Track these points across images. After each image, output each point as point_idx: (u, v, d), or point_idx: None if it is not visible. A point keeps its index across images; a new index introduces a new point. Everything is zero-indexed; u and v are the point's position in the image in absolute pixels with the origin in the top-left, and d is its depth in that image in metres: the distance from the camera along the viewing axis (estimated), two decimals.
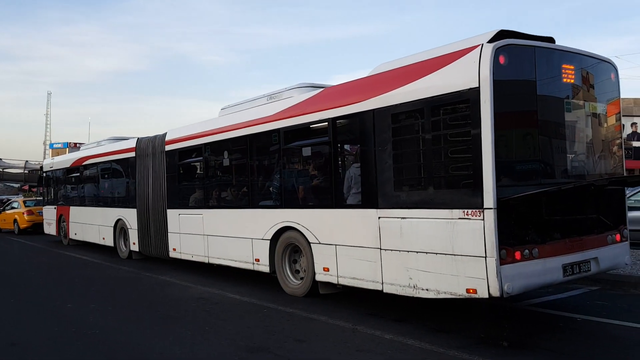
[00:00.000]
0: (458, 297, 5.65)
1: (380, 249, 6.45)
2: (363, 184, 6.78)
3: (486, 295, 5.36)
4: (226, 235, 9.34)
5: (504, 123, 5.49)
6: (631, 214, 10.94)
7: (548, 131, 5.97)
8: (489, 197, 5.30)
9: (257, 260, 8.62)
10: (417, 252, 6.02)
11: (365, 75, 7.00)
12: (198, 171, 10.53)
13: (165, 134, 11.47)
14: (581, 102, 6.26)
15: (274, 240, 8.27)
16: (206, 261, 9.94)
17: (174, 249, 11.07)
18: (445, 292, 5.77)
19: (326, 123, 7.25)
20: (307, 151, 7.81)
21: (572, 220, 6.14)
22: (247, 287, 8.72)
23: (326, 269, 7.29)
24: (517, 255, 5.45)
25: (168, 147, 11.21)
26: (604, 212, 6.47)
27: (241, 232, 8.96)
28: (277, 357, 5.11)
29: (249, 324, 6.38)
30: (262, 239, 8.45)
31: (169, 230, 11.23)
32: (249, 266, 8.82)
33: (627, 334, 5.58)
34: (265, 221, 8.40)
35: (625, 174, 6.77)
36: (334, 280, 7.18)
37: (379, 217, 6.46)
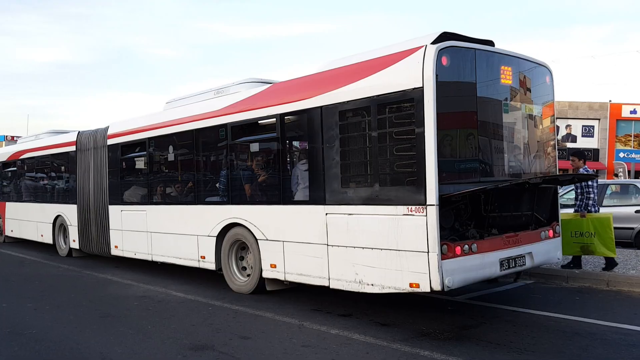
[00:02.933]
0: (402, 291, 5.80)
1: (328, 245, 6.52)
2: (311, 181, 6.83)
3: (428, 289, 5.53)
4: (171, 232, 9.17)
5: (446, 123, 5.67)
6: (563, 211, 11.59)
7: (487, 131, 6.21)
8: (432, 194, 5.47)
9: (203, 257, 8.51)
10: (363, 247, 6.12)
11: (313, 72, 7.04)
12: (142, 166, 10.27)
13: (107, 128, 11.12)
14: (518, 104, 6.54)
15: (221, 237, 8.19)
16: (150, 259, 9.72)
17: (116, 247, 10.76)
18: (389, 287, 5.90)
19: (274, 119, 7.25)
20: (255, 147, 7.78)
21: (508, 217, 6.42)
22: (192, 285, 8.60)
23: (273, 266, 7.30)
24: (458, 250, 5.65)
25: (110, 141, 10.87)
26: (538, 209, 6.79)
27: (186, 228, 8.82)
28: (222, 355, 5.08)
29: (194, 322, 6.31)
30: (209, 236, 8.35)
31: (110, 227, 10.90)
32: (194, 263, 8.70)
33: (559, 325, 5.89)
34: (211, 218, 8.31)
35: (558, 173, 7.13)
36: (281, 276, 7.20)
37: (327, 214, 6.52)
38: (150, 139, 9.73)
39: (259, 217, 7.54)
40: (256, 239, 7.55)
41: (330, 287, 6.50)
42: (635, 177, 26.37)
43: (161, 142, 9.53)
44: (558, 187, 7.19)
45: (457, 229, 5.88)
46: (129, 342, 5.56)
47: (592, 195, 8.27)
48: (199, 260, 8.61)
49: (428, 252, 5.51)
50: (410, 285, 5.69)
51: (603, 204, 11.28)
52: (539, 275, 8.23)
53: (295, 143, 7.51)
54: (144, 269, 10.25)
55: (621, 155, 38.20)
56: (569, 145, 38.82)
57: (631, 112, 39.33)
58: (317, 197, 6.67)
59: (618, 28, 74.90)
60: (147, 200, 9.89)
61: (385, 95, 5.89)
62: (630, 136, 39.74)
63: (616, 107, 39.19)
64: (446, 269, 5.50)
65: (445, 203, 5.55)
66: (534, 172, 6.82)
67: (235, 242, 8.03)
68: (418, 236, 5.59)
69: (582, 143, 39.03)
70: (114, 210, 10.80)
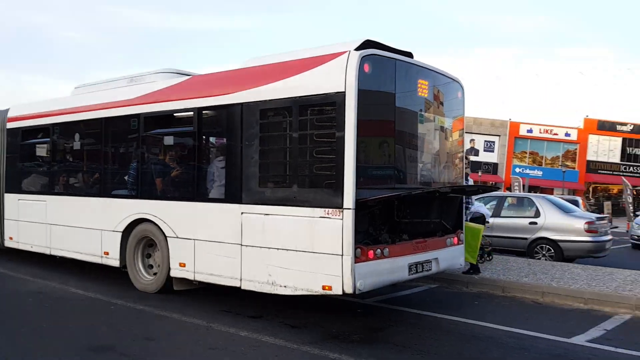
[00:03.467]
0: (314, 293, 5.83)
1: (242, 245, 6.41)
2: (227, 178, 6.70)
3: (340, 292, 5.60)
4: (72, 225, 8.60)
5: (365, 129, 5.77)
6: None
7: (403, 140, 6.41)
8: (349, 197, 5.55)
9: (106, 253, 8.06)
10: (277, 249, 6.08)
11: (236, 68, 6.91)
12: (44, 153, 9.56)
13: (7, 110, 10.26)
14: (432, 116, 6.82)
15: (127, 232, 7.81)
16: (48, 252, 9.07)
17: (11, 238, 9.94)
18: (302, 289, 5.91)
19: (192, 112, 7.03)
20: (169, 140, 7.50)
21: (418, 223, 6.66)
22: (93, 282, 8.12)
23: (182, 265, 7.06)
24: (370, 254, 5.77)
25: (10, 125, 10.04)
26: (445, 217, 7.12)
27: (90, 222, 8.32)
28: (124, 357, 4.82)
29: (94, 322, 5.95)
30: (114, 231, 7.93)
31: (5, 217, 10.06)
32: (97, 259, 8.23)
33: (459, 328, 6.20)
34: (118, 212, 7.90)
35: (465, 184, 7.51)
36: (190, 276, 6.98)
37: (242, 213, 6.42)
38: (54, 125, 9.08)
39: (169, 214, 7.27)
40: (165, 236, 7.27)
41: (242, 288, 6.40)
42: (529, 191, 28.51)
43: (67, 129, 8.93)
44: (464, 197, 7.58)
45: (371, 233, 6.01)
46: (22, 342, 5.14)
47: (470, 207, 8.84)
48: (102, 256, 8.14)
49: (342, 255, 5.58)
50: (323, 287, 5.73)
51: (501, 215, 12.07)
52: (442, 280, 8.62)
53: (213, 139, 7.32)
54: (41, 263, 9.53)
55: (517, 170, 41.18)
56: (472, 158, 41.20)
57: (527, 131, 42.53)
58: (233, 196, 6.54)
59: (518, 52, 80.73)
60: (48, 190, 9.22)
61: (308, 97, 5.90)
62: (526, 153, 42.99)
63: (515, 126, 42.22)
64: (359, 272, 5.60)
65: (361, 207, 5.64)
66: (443, 181, 7.14)
67: (143, 239, 7.68)
68: (333, 239, 5.64)
69: (484, 157, 41.65)
70: (10, 199, 9.98)
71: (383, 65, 6.01)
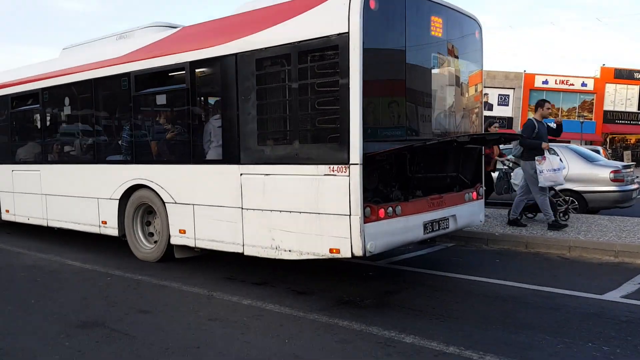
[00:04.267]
0: (321, 257, 5.36)
1: (242, 208, 5.93)
2: (224, 138, 6.17)
3: (349, 255, 5.13)
4: (68, 195, 8.19)
5: (372, 75, 5.17)
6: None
7: (414, 86, 5.79)
8: (355, 152, 5.01)
9: (104, 222, 7.66)
10: (280, 211, 5.60)
11: (228, 15, 6.28)
12: (35, 121, 9.09)
13: None
14: (446, 58, 6.18)
15: (124, 200, 7.37)
16: (45, 224, 8.70)
17: (7, 211, 9.58)
18: (308, 253, 5.45)
19: (183, 68, 6.45)
20: (161, 99, 6.95)
21: (433, 178, 6.12)
22: (92, 253, 7.75)
23: (182, 231, 6.62)
24: (381, 213, 5.27)
25: None
26: (463, 171, 6.55)
27: (85, 191, 7.89)
28: (113, 333, 4.42)
29: (87, 295, 5.57)
30: (110, 199, 7.50)
31: (0, 189, 9.68)
32: (95, 229, 7.83)
33: (481, 289, 5.73)
34: (113, 178, 7.45)
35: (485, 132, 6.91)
36: (191, 243, 6.55)
37: (241, 174, 5.92)
38: (43, 89, 8.56)
39: (166, 178, 6.79)
40: (163, 202, 6.82)
41: (245, 253, 5.96)
42: None
43: (56, 93, 8.40)
44: (482, 148, 6.98)
45: (381, 190, 5.49)
46: (5, 320, 4.77)
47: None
48: (99, 226, 7.75)
49: (350, 215, 5.09)
50: (331, 250, 5.26)
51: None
52: (459, 237, 8.13)
53: (208, 95, 6.74)
54: (40, 235, 9.20)
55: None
56: (486, 113, 40.25)
57: (543, 83, 41.22)
58: (231, 156, 6.03)
59: (531, 2, 77.90)
60: (41, 159, 8.78)
61: (307, 42, 5.29)
62: None
63: (530, 77, 40.90)
64: (369, 232, 5.11)
65: (369, 163, 5.11)
66: (460, 132, 6.54)
67: (141, 206, 7.25)
68: (340, 198, 5.14)
69: (498, 111, 40.57)
70: (3, 170, 9.57)
71: (391, 1, 5.35)
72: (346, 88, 5.02)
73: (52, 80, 8.34)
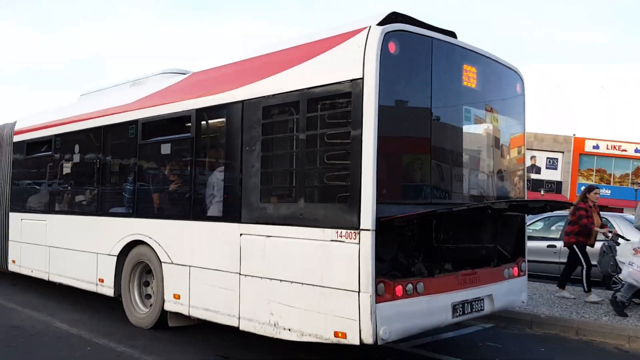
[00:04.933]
0: (325, 341, 4.47)
1: (240, 274, 5.16)
2: (226, 192, 5.50)
3: (357, 342, 4.23)
4: (70, 248, 7.64)
5: (391, 126, 4.46)
6: (529, 244, 10.53)
7: (442, 142, 5.02)
8: (367, 215, 4.21)
9: (101, 280, 7.01)
10: (280, 280, 4.80)
11: (237, 60, 5.75)
12: (46, 168, 8.73)
13: (14, 123, 9.57)
14: (482, 112, 5.39)
15: (122, 256, 6.73)
16: (47, 278, 8.15)
17: (14, 261, 9.12)
18: (310, 335, 4.58)
19: (189, 115, 5.91)
20: (166, 149, 6.39)
21: (466, 250, 5.21)
22: (86, 314, 7.06)
23: (177, 297, 5.88)
24: (399, 290, 4.38)
25: (17, 138, 9.32)
26: (502, 242, 5.61)
27: (85, 244, 7.32)
28: None
29: None
30: (109, 255, 6.88)
31: (10, 238, 9.27)
32: (92, 287, 7.19)
33: None
34: (113, 232, 6.85)
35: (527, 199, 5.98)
36: (184, 310, 5.78)
37: (241, 234, 5.18)
38: (56, 136, 8.23)
39: (164, 235, 6.13)
40: (160, 262, 6.13)
41: (240, 328, 5.13)
42: None
43: (67, 140, 8.04)
44: (526, 215, 6.03)
45: (400, 262, 4.62)
46: None
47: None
48: (97, 284, 7.10)
49: (359, 292, 4.23)
50: (336, 334, 4.37)
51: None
52: (498, 317, 7.02)
53: (213, 146, 6.13)
54: (45, 290, 8.59)
55: (582, 189, 38.19)
56: (534, 176, 38.67)
57: (594, 147, 39.50)
58: (231, 213, 5.33)
59: (580, 67, 76.62)
60: (48, 208, 8.35)
61: (318, 88, 4.64)
62: (592, 170, 39.85)
63: (579, 141, 39.30)
64: (382, 315, 4.22)
65: (385, 228, 4.29)
66: (499, 197, 5.65)
67: (139, 264, 6.58)
68: (348, 270, 4.30)
69: (546, 175, 38.93)
70: (14, 219, 9.20)
71: (415, 45, 4.68)
72: (358, 141, 4.30)
73: (65, 126, 8.01)
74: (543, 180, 38.30)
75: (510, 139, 5.87)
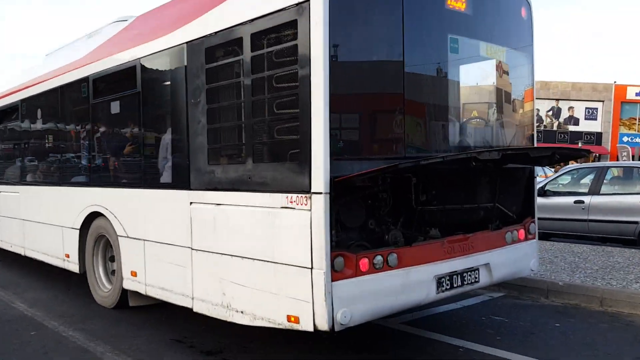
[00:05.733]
0: (278, 326, 3.73)
1: (192, 249, 4.44)
2: (174, 155, 4.74)
3: (311, 328, 3.47)
4: (40, 221, 7.08)
5: (348, 60, 3.59)
6: (553, 200, 9.50)
7: (421, 80, 4.08)
8: (319, 174, 3.39)
9: (67, 255, 6.44)
10: (231, 256, 4.05)
11: None
12: (17, 137, 8.14)
13: None
14: (475, 43, 4.40)
15: (85, 229, 6.11)
16: (23, 253, 7.66)
17: None
18: (262, 319, 3.84)
19: (134, 66, 5.12)
20: (115, 107, 5.63)
21: (456, 212, 4.33)
22: (52, 293, 6.52)
23: (134, 274, 5.23)
24: (364, 264, 3.57)
25: None
26: (503, 201, 4.69)
27: (52, 217, 6.74)
28: None
29: None
30: (72, 228, 6.27)
31: None
32: (60, 263, 6.64)
33: None
34: (74, 204, 6.22)
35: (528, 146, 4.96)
36: (142, 289, 5.13)
37: (191, 203, 4.44)
38: (22, 101, 7.58)
39: (119, 205, 5.46)
40: (117, 235, 5.48)
41: (194, 310, 4.45)
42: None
43: (32, 105, 7.37)
44: (535, 168, 5.06)
45: (369, 230, 3.80)
46: None
47: None
48: (64, 259, 6.54)
49: (312, 269, 3.44)
50: (288, 318, 3.62)
51: (601, 192, 9.14)
52: (510, 286, 6.15)
53: (161, 101, 5.32)
54: (30, 266, 8.05)
55: (625, 139, 36.01)
56: (572, 128, 36.67)
57: (637, 94, 37.03)
58: (180, 179, 4.58)
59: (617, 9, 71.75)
60: (20, 179, 7.80)
61: (261, 20, 3.77)
62: (635, 119, 37.46)
63: (621, 89, 36.85)
64: (340, 295, 3.44)
65: (345, 190, 3.47)
66: (499, 146, 4.71)
67: (101, 238, 5.94)
68: (299, 242, 3.52)
69: (585, 126, 36.88)
70: None
71: None
72: (307, 82, 3.44)
73: (27, 91, 7.35)
74: (582, 132, 36.38)
75: (515, 78, 4.86)
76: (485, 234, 4.44)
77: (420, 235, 4.07)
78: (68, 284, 6.83)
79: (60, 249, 6.56)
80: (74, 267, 6.30)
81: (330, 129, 3.39)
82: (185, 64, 4.43)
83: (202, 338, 4.68)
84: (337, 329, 3.41)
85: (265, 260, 3.76)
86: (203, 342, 4.59)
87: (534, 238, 4.96)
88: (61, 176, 6.67)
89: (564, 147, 6.03)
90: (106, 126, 5.83)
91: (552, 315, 5.39)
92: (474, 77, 4.61)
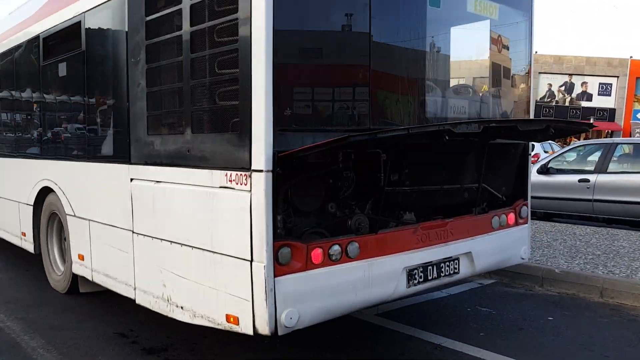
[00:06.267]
0: (217, 327, 3.21)
1: (133, 232, 3.91)
2: (115, 123, 4.19)
3: (250, 331, 2.95)
4: (2, 196, 6.59)
5: (296, 14, 2.98)
6: (557, 178, 8.88)
7: (392, 36, 3.46)
8: (260, 149, 2.83)
9: (24, 234, 5.96)
10: (170, 242, 3.53)
11: None
12: None
13: None
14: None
15: (38, 206, 5.61)
16: None
17: None
18: (202, 317, 3.33)
19: (79, 21, 4.52)
20: (62, 70, 5.05)
21: (433, 194, 3.76)
22: (13, 274, 6.09)
23: (81, 257, 4.73)
24: (316, 256, 3.03)
25: None
26: (491, 181, 4.10)
27: (10, 191, 6.26)
28: None
29: None
30: (27, 204, 5.77)
31: None
32: (18, 241, 6.17)
33: None
34: (29, 177, 5.70)
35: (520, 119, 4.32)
36: (89, 275, 4.63)
37: (131, 179, 3.89)
38: None
39: (67, 180, 4.94)
40: (65, 214, 4.97)
41: (137, 302, 3.94)
42: None
43: None
44: (531, 145, 4.45)
45: (334, 213, 3.25)
46: None
47: None
48: (20, 238, 6.06)
49: (252, 261, 2.90)
50: (228, 318, 3.10)
51: (608, 170, 8.49)
52: (502, 273, 5.60)
53: (105, 62, 4.68)
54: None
55: (639, 115, 34.90)
56: (584, 104, 35.58)
57: None
58: (121, 151, 4.03)
59: None
60: None
61: None
62: None
63: (637, 64, 35.52)
64: (285, 293, 2.90)
65: (293, 168, 2.91)
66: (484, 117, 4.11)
67: (54, 216, 5.43)
68: (238, 229, 2.98)
69: (598, 102, 35.73)
70: None
71: None
72: (247, 37, 2.84)
73: None
74: (595, 108, 35.27)
75: (509, 43, 4.22)
76: (467, 218, 3.88)
77: (392, 220, 3.52)
78: (31, 265, 6.35)
79: (17, 227, 6.08)
80: (30, 247, 5.82)
81: (276, 92, 2.82)
82: (127, 17, 3.83)
83: (150, 332, 4.17)
84: (280, 332, 2.88)
85: (204, 249, 3.23)
86: (149, 337, 4.10)
87: (526, 223, 4.39)
88: (17, 147, 6.16)
89: (561, 120, 5.41)
90: (55, 91, 5.24)
91: (546, 307, 4.85)
92: (460, 42, 3.98)
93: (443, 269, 3.69)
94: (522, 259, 4.41)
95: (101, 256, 4.40)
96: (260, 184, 2.83)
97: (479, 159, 3.92)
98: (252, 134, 2.85)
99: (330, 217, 3.31)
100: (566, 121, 4.71)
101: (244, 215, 2.91)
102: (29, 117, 5.96)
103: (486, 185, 4.06)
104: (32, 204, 5.62)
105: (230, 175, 3.00)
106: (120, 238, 4.04)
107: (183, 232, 3.40)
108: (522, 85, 4.37)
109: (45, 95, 5.34)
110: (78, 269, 4.79)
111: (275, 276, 2.87)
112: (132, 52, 3.78)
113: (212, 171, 3.13)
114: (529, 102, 4.42)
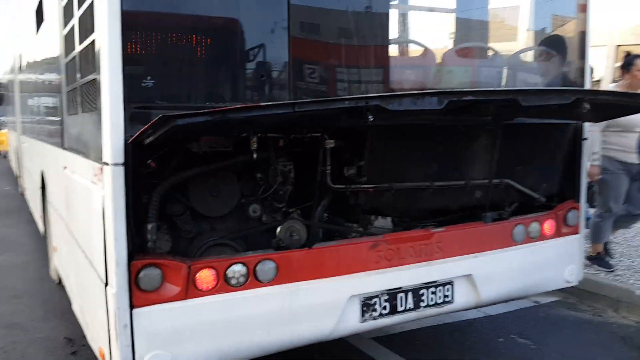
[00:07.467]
0: (99, 357, 2.52)
1: (68, 226, 3.35)
2: (53, 100, 3.65)
3: None
4: (31, 174, 6.52)
5: None
6: None
7: None
8: (107, 134, 2.06)
9: (41, 216, 5.77)
10: (75, 241, 2.91)
11: None
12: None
13: None
14: None
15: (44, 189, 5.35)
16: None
17: None
18: (92, 340, 2.67)
19: None
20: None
21: (415, 193, 2.69)
22: (31, 257, 5.91)
23: (55, 249, 4.33)
24: (204, 278, 2.21)
25: None
26: (522, 174, 2.90)
27: (34, 171, 6.14)
28: None
29: None
30: (38, 187, 5.54)
31: None
32: (38, 221, 6.03)
33: None
34: (40, 160, 5.46)
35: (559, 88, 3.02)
36: (59, 268, 4.20)
37: (65, 167, 3.32)
38: None
39: (47, 165, 4.57)
40: (48, 201, 4.61)
41: (72, 307, 3.40)
42: None
43: None
44: (581, 124, 3.13)
45: (255, 218, 2.42)
46: None
47: None
48: (39, 219, 5.90)
49: (106, 284, 2.16)
50: (100, 352, 2.40)
51: None
52: (570, 288, 4.27)
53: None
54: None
55: None
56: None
57: None
58: (57, 135, 3.48)
59: None
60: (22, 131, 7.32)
61: None
62: None
63: None
64: (149, 330, 2.12)
65: (182, 158, 2.15)
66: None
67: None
68: (96, 240, 2.24)
69: None
70: None
71: None
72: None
73: None
74: None
75: None
76: (469, 228, 2.76)
77: (342, 229, 2.57)
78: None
79: (37, 209, 5.94)
80: (41, 229, 5.62)
81: (128, 50, 2.01)
82: None
83: None
84: None
85: (85, 254, 2.56)
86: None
87: (576, 232, 3.13)
88: (40, 130, 5.97)
89: (603, 91, 3.67)
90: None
91: (611, 345, 3.53)
92: None
93: (425, 297, 2.65)
94: (568, 282, 3.16)
95: (62, 250, 3.93)
96: (108, 182, 2.05)
97: (490, 145, 2.76)
98: (101, 116, 2.07)
99: (254, 224, 2.45)
100: (613, 92, 3.29)
101: (98, 222, 2.17)
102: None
103: (511, 182, 2.88)
104: (40, 186, 5.38)
105: (96, 168, 2.26)
106: (65, 231, 3.52)
107: (75, 229, 2.78)
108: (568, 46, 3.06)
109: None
110: (55, 261, 4.40)
111: (134, 307, 2.08)
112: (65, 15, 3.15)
113: (90, 162, 2.41)
114: (585, 69, 3.09)
